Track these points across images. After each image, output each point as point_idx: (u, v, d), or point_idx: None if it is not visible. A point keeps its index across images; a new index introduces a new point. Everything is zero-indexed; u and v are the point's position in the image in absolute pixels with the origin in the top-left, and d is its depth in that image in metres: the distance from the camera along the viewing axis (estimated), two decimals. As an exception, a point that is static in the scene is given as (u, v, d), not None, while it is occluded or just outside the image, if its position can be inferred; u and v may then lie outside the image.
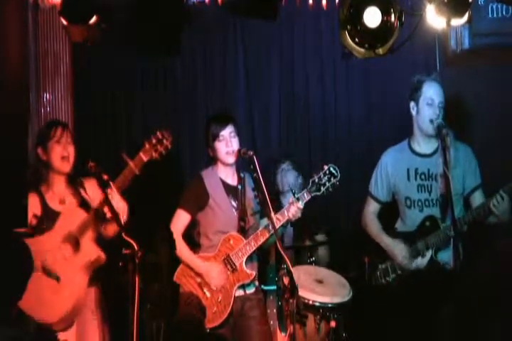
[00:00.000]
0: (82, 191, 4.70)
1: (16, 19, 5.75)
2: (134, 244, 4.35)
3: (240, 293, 4.78)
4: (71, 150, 4.68)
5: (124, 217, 4.50)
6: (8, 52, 5.63)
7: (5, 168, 5.20)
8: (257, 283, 4.86)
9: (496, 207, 4.81)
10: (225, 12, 5.78)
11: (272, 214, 4.59)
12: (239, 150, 4.77)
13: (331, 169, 4.75)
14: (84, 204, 4.65)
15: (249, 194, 4.82)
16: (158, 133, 4.51)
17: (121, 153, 4.51)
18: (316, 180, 4.73)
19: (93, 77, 6.13)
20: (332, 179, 4.74)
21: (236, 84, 6.25)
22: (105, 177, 4.42)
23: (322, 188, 4.73)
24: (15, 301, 4.57)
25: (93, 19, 5.06)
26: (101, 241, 4.65)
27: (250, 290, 4.81)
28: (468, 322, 4.86)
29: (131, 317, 4.18)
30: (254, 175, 4.58)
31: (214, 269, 4.72)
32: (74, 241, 4.54)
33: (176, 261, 4.94)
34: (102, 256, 4.58)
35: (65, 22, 5.14)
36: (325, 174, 4.74)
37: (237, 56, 6.24)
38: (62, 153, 4.64)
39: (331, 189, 4.74)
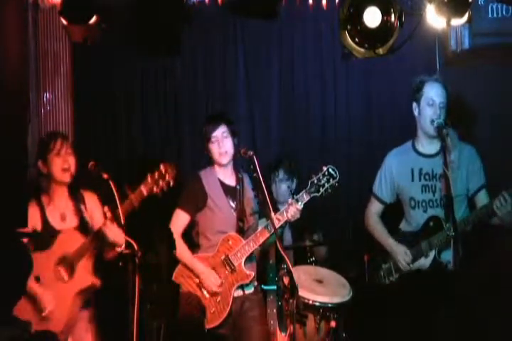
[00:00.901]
0: (82, 207, 4.70)
1: (16, 19, 5.75)
2: (134, 244, 4.36)
3: (239, 293, 4.78)
4: (72, 161, 4.68)
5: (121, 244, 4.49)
6: (8, 52, 5.63)
7: (5, 168, 5.20)
8: (255, 283, 4.85)
9: (499, 208, 4.81)
10: (225, 12, 5.78)
11: (272, 214, 4.59)
12: (239, 151, 4.76)
13: (330, 170, 4.75)
14: (83, 223, 4.66)
15: (248, 194, 4.82)
16: (161, 167, 4.52)
17: (125, 184, 4.51)
18: (315, 181, 4.73)
19: (93, 77, 6.13)
20: (331, 180, 4.73)
21: (236, 84, 6.24)
22: (105, 176, 4.43)
23: (321, 189, 4.72)
24: (14, 302, 4.56)
25: (93, 19, 5.06)
26: (98, 264, 4.65)
27: (249, 291, 4.81)
28: (468, 321, 4.85)
29: (131, 317, 4.18)
30: (254, 174, 4.58)
31: (214, 276, 4.71)
32: (69, 266, 4.54)
33: (176, 261, 4.93)
34: (96, 282, 4.57)
35: (65, 22, 5.15)
36: (324, 175, 4.73)
37: (237, 56, 6.23)
38: (62, 165, 4.64)
39: (329, 190, 4.74)
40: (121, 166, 6.15)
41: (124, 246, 4.48)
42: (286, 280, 4.35)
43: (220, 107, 6.16)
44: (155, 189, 4.50)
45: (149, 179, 4.52)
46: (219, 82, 6.26)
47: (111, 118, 6.24)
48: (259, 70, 6.26)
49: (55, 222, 4.64)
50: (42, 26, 5.88)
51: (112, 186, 4.41)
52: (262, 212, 4.75)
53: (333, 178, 4.74)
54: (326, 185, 4.73)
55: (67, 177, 4.66)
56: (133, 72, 6.22)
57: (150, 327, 5.30)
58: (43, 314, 4.47)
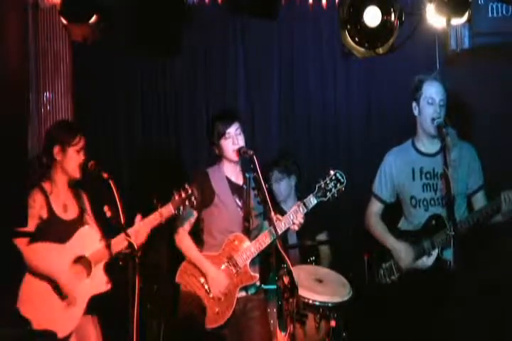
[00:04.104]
0: (82, 199, 4.71)
1: (16, 19, 5.76)
2: (134, 244, 4.36)
3: (242, 294, 4.75)
4: (84, 157, 4.67)
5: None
6: (8, 52, 5.64)
7: (5, 168, 5.20)
8: (258, 284, 4.83)
9: (507, 204, 4.81)
10: (225, 12, 5.79)
11: (272, 214, 4.57)
12: (239, 150, 4.74)
13: (338, 175, 4.71)
14: (82, 214, 4.66)
15: (253, 194, 4.78)
16: (187, 188, 4.56)
17: (155, 199, 4.54)
18: (323, 186, 4.69)
19: (93, 77, 6.13)
20: (338, 185, 4.71)
21: (236, 84, 6.24)
22: (105, 175, 4.42)
23: (328, 194, 4.69)
24: (14, 301, 4.56)
25: (93, 19, 5.07)
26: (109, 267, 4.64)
27: (252, 292, 4.79)
28: (469, 321, 4.85)
29: (131, 317, 4.17)
30: (254, 174, 4.57)
31: (220, 277, 4.70)
32: (87, 267, 4.52)
33: (176, 260, 4.92)
34: (109, 286, 4.56)
35: (65, 21, 5.16)
36: (331, 180, 4.70)
37: (237, 56, 6.23)
38: (79, 162, 4.62)
39: (336, 195, 4.71)
40: (121, 166, 6.16)
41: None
42: (286, 279, 4.34)
43: (220, 107, 6.16)
44: (181, 208, 4.55)
45: (176, 197, 4.55)
46: (219, 82, 6.26)
47: (111, 118, 6.24)
48: (259, 70, 6.26)
49: (59, 211, 4.62)
50: (42, 26, 5.88)
51: (112, 186, 4.40)
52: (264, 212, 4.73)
53: (341, 183, 4.71)
54: (333, 190, 4.70)
55: (78, 174, 4.64)
56: (133, 72, 6.22)
57: (150, 327, 5.30)
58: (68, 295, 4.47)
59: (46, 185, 4.63)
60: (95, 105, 6.19)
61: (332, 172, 4.71)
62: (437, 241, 4.94)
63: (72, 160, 4.61)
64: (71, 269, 4.51)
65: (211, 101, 6.23)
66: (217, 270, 4.70)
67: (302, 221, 4.69)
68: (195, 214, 4.80)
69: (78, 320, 4.49)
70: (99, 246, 4.53)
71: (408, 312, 4.89)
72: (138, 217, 4.54)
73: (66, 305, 4.47)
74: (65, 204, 4.66)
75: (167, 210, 4.54)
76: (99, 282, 4.51)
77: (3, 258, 4.71)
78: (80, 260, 4.53)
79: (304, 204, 4.68)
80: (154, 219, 4.53)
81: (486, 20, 5.51)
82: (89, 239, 4.55)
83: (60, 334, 4.45)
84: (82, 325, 4.56)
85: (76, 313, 4.49)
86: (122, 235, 4.44)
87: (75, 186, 4.71)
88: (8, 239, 4.58)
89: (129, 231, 4.43)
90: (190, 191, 4.54)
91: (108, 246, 4.50)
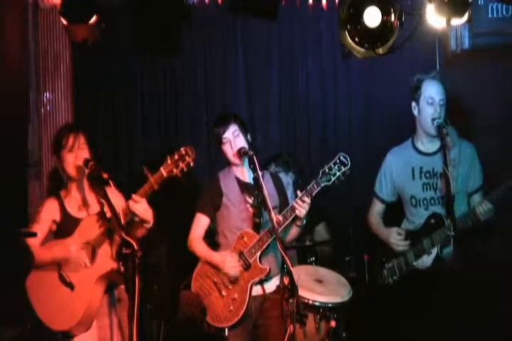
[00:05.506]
0: (103, 200, 4.68)
1: (16, 19, 5.77)
2: (134, 244, 4.35)
3: (259, 290, 4.73)
4: (86, 156, 4.64)
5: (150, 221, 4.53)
6: (8, 52, 5.65)
7: (5, 168, 5.22)
8: (275, 278, 4.76)
9: (483, 215, 4.83)
10: (225, 12, 5.80)
11: (273, 214, 4.57)
12: (239, 150, 4.74)
13: (341, 158, 4.66)
14: (104, 213, 4.64)
15: (269, 191, 4.73)
16: (181, 149, 4.44)
17: (143, 166, 4.42)
18: (326, 170, 4.65)
19: (93, 77, 6.14)
20: (343, 168, 4.65)
21: (236, 84, 6.25)
22: (105, 175, 4.42)
23: (332, 178, 4.63)
24: (14, 300, 4.57)
25: (93, 19, 5.08)
26: (119, 251, 4.62)
27: (268, 285, 4.76)
28: (469, 321, 4.85)
29: (131, 317, 4.17)
30: (255, 174, 4.57)
31: (227, 257, 4.68)
32: (91, 252, 4.53)
33: (176, 261, 4.92)
34: (117, 267, 4.53)
35: (65, 22, 5.17)
36: (335, 163, 4.65)
37: (237, 56, 6.24)
38: (74, 162, 4.61)
39: (342, 178, 4.64)
40: (121, 166, 6.16)
41: (152, 222, 4.52)
42: (286, 280, 4.34)
43: (220, 107, 6.17)
44: (175, 170, 4.40)
45: (169, 161, 4.42)
46: (219, 82, 6.26)
47: (111, 118, 6.25)
48: (259, 70, 6.27)
49: (74, 212, 4.64)
50: (42, 26, 5.90)
51: (112, 186, 4.40)
52: (279, 209, 4.72)
53: (345, 165, 4.66)
54: (338, 173, 4.64)
55: (75, 172, 4.62)
56: (133, 72, 6.22)
57: (150, 327, 5.31)
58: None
59: (62, 193, 4.66)
60: (95, 105, 6.20)
61: (336, 156, 4.68)
62: (436, 239, 4.93)
63: (66, 162, 4.62)
64: (76, 259, 4.52)
65: (211, 101, 6.24)
66: (222, 254, 4.71)
67: (307, 208, 4.65)
68: (207, 218, 4.80)
69: (88, 304, 4.48)
70: (101, 231, 4.53)
71: (408, 312, 4.89)
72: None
73: (75, 294, 4.48)
74: (80, 206, 4.65)
75: (158, 175, 4.43)
76: (102, 263, 4.50)
77: (4, 259, 4.73)
78: (85, 246, 4.54)
79: (307, 190, 4.65)
80: (147, 186, 4.44)
81: (486, 20, 5.51)
82: (91, 227, 4.55)
83: (69, 325, 4.47)
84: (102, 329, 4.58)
85: (87, 299, 4.49)
86: (135, 196, 4.43)
87: (97, 184, 4.66)
88: (7, 238, 4.59)
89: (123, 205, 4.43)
90: (184, 152, 4.43)
91: (107, 231, 4.48)
